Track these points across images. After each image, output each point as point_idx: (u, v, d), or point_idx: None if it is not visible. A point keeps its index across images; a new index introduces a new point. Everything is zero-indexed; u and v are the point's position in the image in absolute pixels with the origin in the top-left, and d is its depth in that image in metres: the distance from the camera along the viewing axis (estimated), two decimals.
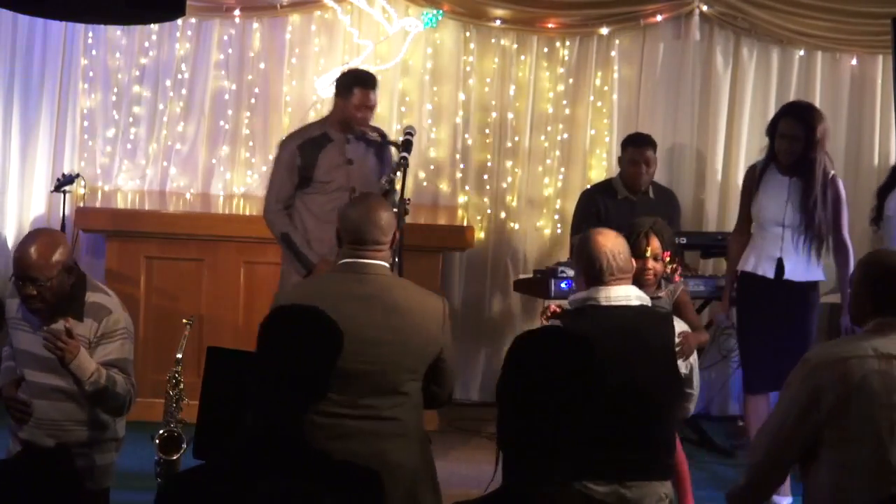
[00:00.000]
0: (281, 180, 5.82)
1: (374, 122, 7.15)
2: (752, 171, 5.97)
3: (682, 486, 5.01)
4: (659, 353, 3.94)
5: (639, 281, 4.40)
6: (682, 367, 4.03)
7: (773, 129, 5.88)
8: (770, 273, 5.79)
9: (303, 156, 5.77)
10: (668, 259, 4.88)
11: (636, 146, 6.51)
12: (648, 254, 4.77)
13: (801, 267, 5.79)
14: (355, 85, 5.76)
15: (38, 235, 4.22)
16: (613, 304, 3.92)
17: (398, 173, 5.46)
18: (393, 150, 5.90)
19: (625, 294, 3.94)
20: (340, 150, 5.80)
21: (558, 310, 4.12)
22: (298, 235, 5.72)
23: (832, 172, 5.80)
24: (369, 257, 3.73)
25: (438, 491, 3.82)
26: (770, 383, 5.77)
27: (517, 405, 2.49)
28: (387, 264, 3.79)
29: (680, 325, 4.09)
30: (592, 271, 3.96)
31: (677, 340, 4.02)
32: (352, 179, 5.76)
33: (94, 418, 4.20)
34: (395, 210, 4.33)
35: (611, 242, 3.98)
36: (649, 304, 4.08)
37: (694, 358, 4.15)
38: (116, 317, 4.23)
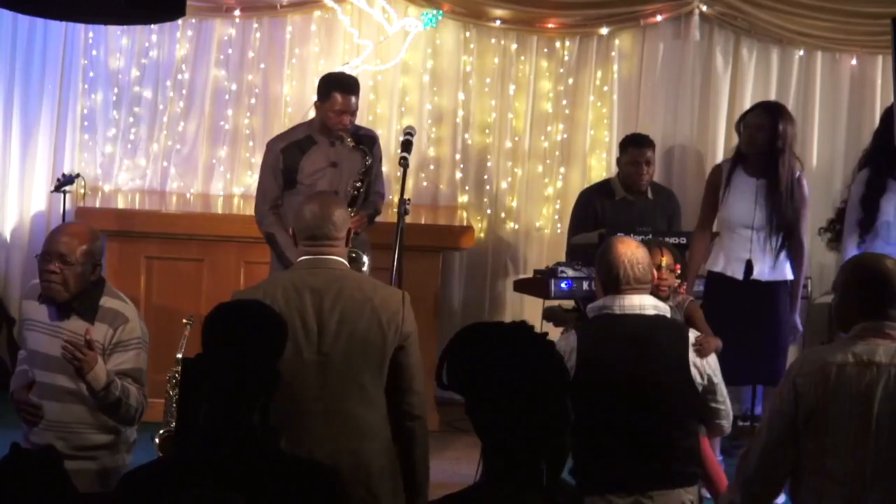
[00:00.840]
0: (267, 182, 5.87)
1: (372, 123, 7.20)
2: (717, 171, 6.00)
3: (714, 487, 4.93)
4: (673, 362, 3.92)
5: (653, 294, 4.39)
6: (698, 375, 4.00)
7: (740, 124, 5.95)
8: (739, 274, 5.84)
9: (285, 159, 5.81)
10: (678, 271, 4.88)
11: (636, 147, 6.52)
12: (663, 265, 4.76)
13: (769, 267, 5.84)
14: (335, 89, 5.74)
15: (78, 222, 4.28)
16: (627, 312, 3.91)
17: (362, 181, 5.59)
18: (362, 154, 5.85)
19: (639, 303, 3.93)
20: (325, 153, 5.81)
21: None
22: (283, 235, 5.75)
23: (798, 173, 5.84)
24: (325, 253, 3.71)
25: (401, 493, 3.74)
26: (731, 379, 5.84)
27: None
28: (343, 259, 3.77)
29: (693, 334, 4.08)
30: (609, 279, 3.96)
31: (693, 340, 4.01)
32: (335, 182, 5.77)
33: (106, 422, 4.18)
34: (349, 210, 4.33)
35: (631, 251, 3.97)
36: (667, 314, 4.05)
37: (715, 368, 4.10)
38: (133, 325, 4.22)
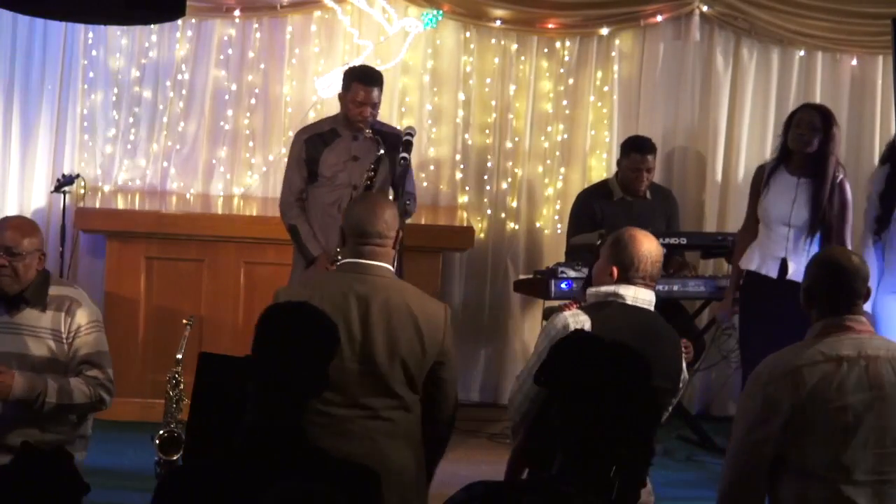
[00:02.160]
0: (291, 174, 5.93)
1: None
2: (760, 171, 6.00)
3: None
4: (672, 363, 3.92)
5: None
6: (681, 381, 4.01)
7: (788, 124, 5.90)
8: (774, 273, 5.80)
9: (308, 150, 5.86)
10: None
11: (638, 153, 6.51)
12: None
13: (804, 267, 5.78)
14: (355, 80, 5.80)
15: (17, 216, 4.32)
16: (640, 305, 3.90)
17: (374, 171, 5.59)
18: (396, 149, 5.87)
19: (649, 298, 3.92)
20: (347, 147, 5.83)
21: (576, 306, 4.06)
22: (305, 227, 5.78)
23: (841, 176, 5.81)
24: (371, 253, 3.73)
25: (426, 499, 3.80)
26: None
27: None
28: (390, 267, 3.78)
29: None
30: (628, 266, 3.91)
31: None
32: (354, 176, 5.79)
33: (62, 418, 4.18)
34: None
35: (654, 247, 3.97)
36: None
37: (686, 374, 4.13)
38: (85, 309, 4.29)
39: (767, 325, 5.80)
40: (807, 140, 5.79)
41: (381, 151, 5.65)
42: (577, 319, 3.80)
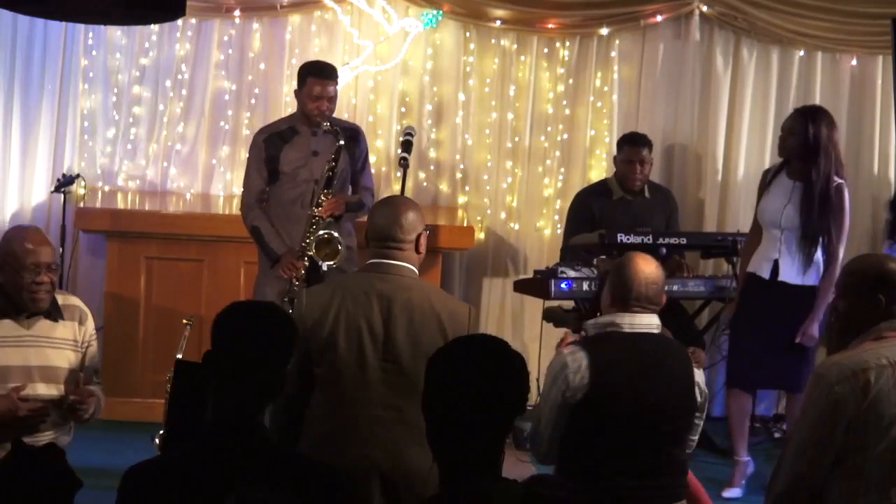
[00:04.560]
0: (251, 175, 5.92)
1: (372, 123, 7.19)
2: (764, 175, 6.03)
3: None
4: (683, 382, 3.91)
5: None
6: (698, 393, 4.00)
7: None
8: (766, 274, 5.83)
9: (268, 149, 5.86)
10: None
11: (631, 146, 6.53)
12: None
13: (796, 270, 5.81)
14: (309, 75, 5.80)
15: (32, 227, 4.27)
16: (637, 331, 3.88)
17: (335, 161, 5.62)
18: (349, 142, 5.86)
19: (647, 322, 3.91)
20: (306, 143, 5.83)
21: (577, 338, 4.08)
22: (267, 226, 5.78)
23: (838, 181, 5.76)
24: (393, 256, 3.73)
25: None
26: (749, 381, 5.95)
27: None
28: (413, 267, 3.78)
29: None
30: (623, 294, 3.91)
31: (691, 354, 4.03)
32: (316, 171, 5.79)
33: (57, 420, 4.19)
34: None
35: (649, 270, 3.93)
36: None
37: (705, 385, 4.12)
38: (90, 318, 4.30)
39: (757, 323, 5.83)
40: (783, 143, 5.83)
41: (342, 142, 5.68)
42: (575, 357, 3.82)
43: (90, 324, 4.28)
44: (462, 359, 2.58)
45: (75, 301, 4.29)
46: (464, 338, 2.76)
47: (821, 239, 5.76)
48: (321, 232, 5.61)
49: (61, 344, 4.18)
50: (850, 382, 3.29)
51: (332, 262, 5.59)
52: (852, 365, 3.33)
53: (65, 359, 4.19)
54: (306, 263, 5.60)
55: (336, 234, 5.62)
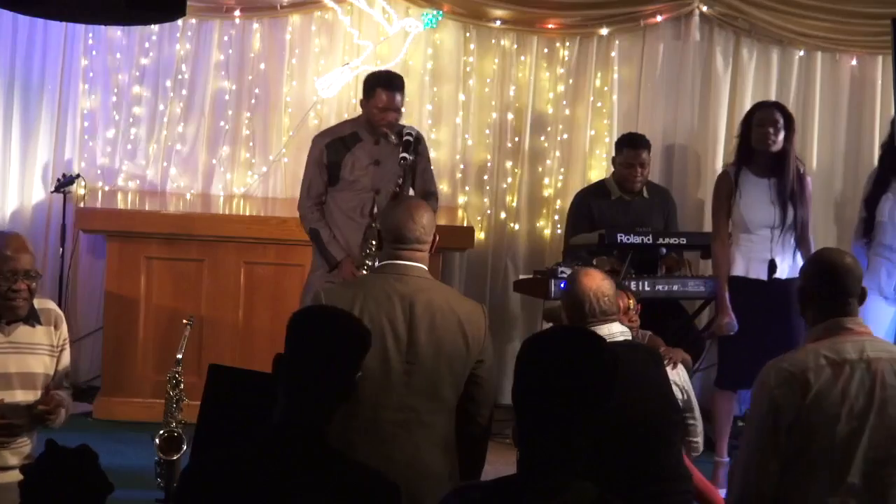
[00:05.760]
0: (311, 177, 5.91)
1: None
2: (725, 177, 6.03)
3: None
4: (655, 385, 3.94)
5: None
6: (678, 391, 4.02)
7: (746, 125, 5.96)
8: (763, 275, 5.85)
9: (329, 154, 5.84)
10: (639, 310, 4.90)
11: (631, 149, 6.52)
12: (631, 307, 4.80)
13: (789, 265, 5.87)
14: (378, 86, 5.80)
15: (13, 234, 4.22)
16: None
17: (403, 178, 5.61)
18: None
19: (608, 332, 3.96)
20: (369, 151, 5.82)
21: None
22: (327, 231, 5.77)
23: (802, 169, 5.93)
24: (408, 257, 3.74)
25: None
26: (741, 382, 5.94)
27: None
28: (426, 268, 3.79)
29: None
30: (576, 313, 4.01)
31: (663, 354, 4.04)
32: (377, 181, 5.78)
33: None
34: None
35: (595, 284, 4.02)
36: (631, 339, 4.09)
37: (688, 384, 4.14)
38: (64, 323, 4.27)
39: (755, 326, 5.84)
40: (774, 139, 5.83)
41: (410, 157, 5.65)
42: None
43: (64, 328, 4.24)
44: (555, 348, 2.59)
45: (50, 305, 4.24)
46: (564, 328, 2.73)
47: (804, 227, 5.86)
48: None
49: (39, 349, 4.14)
50: (789, 385, 3.31)
51: None
52: (791, 367, 3.35)
53: (42, 364, 4.14)
54: (364, 273, 5.55)
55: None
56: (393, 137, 5.76)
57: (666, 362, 4.06)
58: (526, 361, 2.60)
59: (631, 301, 4.80)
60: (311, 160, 5.94)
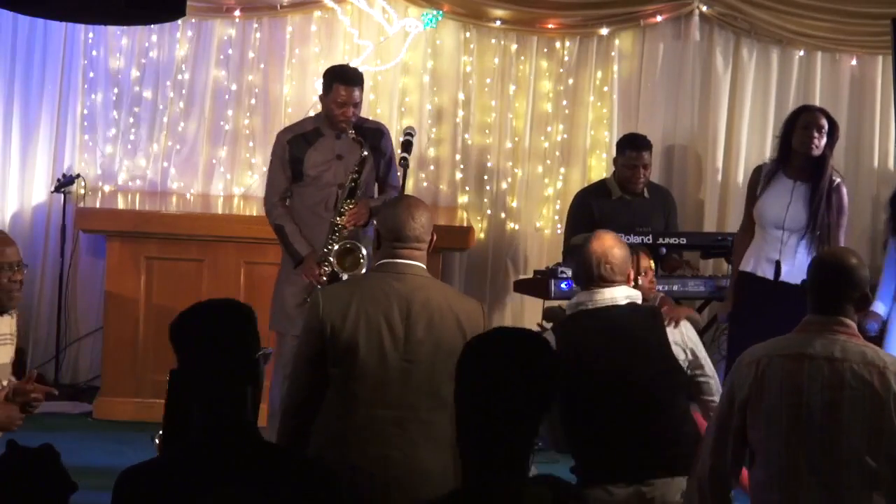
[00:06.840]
0: (275, 173, 5.88)
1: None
2: (757, 173, 5.97)
3: None
4: (654, 347, 3.97)
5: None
6: (681, 352, 4.05)
7: (790, 126, 5.86)
8: (770, 274, 5.82)
9: (292, 150, 5.82)
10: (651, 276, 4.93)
11: (633, 150, 6.51)
12: (650, 267, 4.83)
13: (798, 269, 5.80)
14: (335, 81, 5.76)
15: None
16: (600, 306, 3.98)
17: (359, 172, 5.59)
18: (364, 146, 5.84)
19: (611, 296, 3.99)
20: (331, 146, 5.81)
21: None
22: (292, 226, 5.75)
23: (838, 180, 5.80)
24: (407, 256, 3.73)
25: None
26: None
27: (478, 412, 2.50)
28: (424, 267, 3.78)
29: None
30: (582, 274, 4.06)
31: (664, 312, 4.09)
32: (339, 175, 5.77)
33: None
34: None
35: (602, 249, 4.03)
36: (638, 301, 4.10)
37: (696, 342, 4.16)
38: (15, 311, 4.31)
39: (759, 324, 5.82)
40: (817, 143, 5.77)
41: (365, 153, 5.65)
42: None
43: (15, 313, 4.29)
44: (497, 352, 2.55)
45: None
46: (500, 330, 2.72)
47: (822, 236, 5.77)
48: (344, 242, 5.59)
49: (7, 340, 4.22)
50: (751, 367, 3.40)
51: (354, 272, 5.56)
52: (758, 352, 3.44)
53: (7, 354, 4.22)
54: (327, 269, 5.57)
55: (359, 244, 5.61)
56: (352, 132, 5.74)
57: (666, 322, 4.06)
58: (467, 366, 2.56)
59: (651, 262, 4.84)
60: (275, 156, 5.91)
